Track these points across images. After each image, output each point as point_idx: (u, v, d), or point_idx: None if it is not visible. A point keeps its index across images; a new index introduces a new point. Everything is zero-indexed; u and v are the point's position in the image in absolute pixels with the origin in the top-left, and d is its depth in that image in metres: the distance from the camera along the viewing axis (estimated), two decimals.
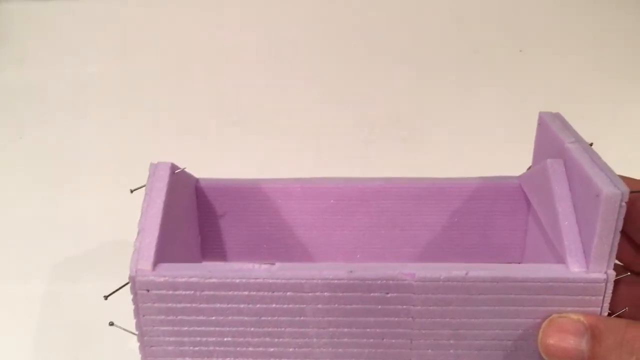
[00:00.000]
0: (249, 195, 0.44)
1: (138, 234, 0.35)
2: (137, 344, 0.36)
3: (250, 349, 0.35)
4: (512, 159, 0.44)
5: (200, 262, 0.45)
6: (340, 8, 0.84)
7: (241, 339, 0.35)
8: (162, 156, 0.60)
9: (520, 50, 0.75)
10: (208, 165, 0.59)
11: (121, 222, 0.53)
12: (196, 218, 0.44)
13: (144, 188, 0.39)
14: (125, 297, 0.34)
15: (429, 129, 0.66)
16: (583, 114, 0.66)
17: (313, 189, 0.44)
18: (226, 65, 0.75)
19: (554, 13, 0.84)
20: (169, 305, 0.34)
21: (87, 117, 0.69)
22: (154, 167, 0.39)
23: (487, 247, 0.44)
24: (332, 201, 0.44)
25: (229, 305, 0.34)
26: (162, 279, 0.34)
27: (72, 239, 0.55)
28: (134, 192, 0.38)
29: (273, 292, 0.34)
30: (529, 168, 0.43)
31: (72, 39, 0.80)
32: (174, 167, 0.39)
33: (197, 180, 0.43)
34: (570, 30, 0.81)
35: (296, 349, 0.35)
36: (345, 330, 0.34)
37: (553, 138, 0.38)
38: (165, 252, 0.35)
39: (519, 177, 0.42)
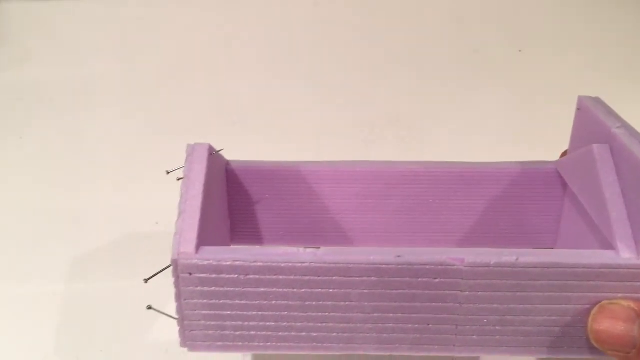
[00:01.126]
0: (279, 178, 0.43)
1: (179, 215, 0.35)
2: (176, 329, 0.35)
3: (293, 333, 0.34)
4: (512, 158, 0.44)
5: (229, 246, 0.44)
6: (341, 8, 0.84)
7: (284, 324, 0.34)
8: (162, 156, 0.60)
9: (520, 50, 0.76)
10: None
11: (121, 221, 0.55)
12: (226, 201, 0.43)
13: (175, 171, 0.38)
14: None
15: (429, 129, 0.66)
16: None
17: (345, 173, 0.43)
18: (226, 65, 0.75)
19: (554, 13, 0.85)
20: (212, 289, 0.33)
21: (87, 117, 0.68)
22: (192, 149, 0.38)
23: (521, 232, 0.44)
24: (364, 185, 0.43)
25: (274, 290, 0.33)
26: (205, 262, 0.33)
27: (72, 239, 0.55)
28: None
29: (319, 276, 0.33)
30: (564, 153, 0.43)
31: (73, 39, 0.80)
32: (211, 149, 0.38)
33: (227, 162, 0.43)
34: (570, 30, 0.81)
35: (340, 334, 0.34)
36: (391, 315, 0.34)
37: (596, 123, 0.38)
38: (208, 237, 0.35)
39: (555, 163, 0.42)
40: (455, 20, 0.82)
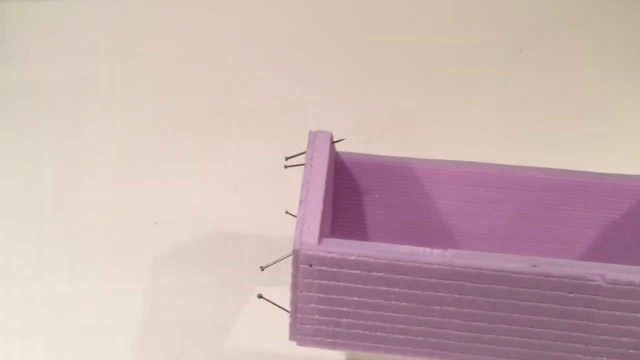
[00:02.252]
0: (387, 173, 0.42)
1: (301, 204, 0.33)
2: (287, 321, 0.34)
3: (409, 337, 0.33)
4: (512, 158, 0.42)
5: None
6: (341, 8, 0.83)
7: (401, 326, 0.33)
8: (162, 156, 0.61)
9: (520, 50, 0.74)
10: (208, 165, 0.59)
11: (121, 221, 0.54)
12: (332, 192, 0.42)
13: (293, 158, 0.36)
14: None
15: (429, 128, 0.65)
16: (583, 114, 0.65)
17: (458, 174, 0.41)
18: (226, 65, 0.74)
19: (554, 13, 0.83)
20: (331, 282, 0.32)
21: (87, 117, 0.68)
22: (314, 136, 0.36)
23: (638, 249, 0.41)
24: (476, 187, 0.41)
25: (395, 289, 0.32)
26: (328, 255, 0.31)
27: (72, 239, 0.54)
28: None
29: (445, 279, 0.31)
30: None
31: (72, 39, 0.78)
32: (332, 137, 0.36)
33: (336, 153, 0.41)
34: (570, 30, 0.79)
35: (458, 342, 0.33)
36: (516, 328, 0.32)
37: None
38: (324, 230, 0.33)
39: None
40: (455, 20, 0.81)
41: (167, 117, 0.66)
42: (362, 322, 0.33)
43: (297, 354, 0.45)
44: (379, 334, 0.33)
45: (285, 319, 0.43)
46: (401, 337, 0.33)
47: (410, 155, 0.42)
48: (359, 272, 0.32)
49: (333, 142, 0.37)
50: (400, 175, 0.41)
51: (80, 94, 0.70)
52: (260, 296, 0.34)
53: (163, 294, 0.49)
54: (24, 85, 0.71)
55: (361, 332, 0.33)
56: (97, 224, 0.55)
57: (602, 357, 0.32)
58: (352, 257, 0.31)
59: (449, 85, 0.70)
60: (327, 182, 0.35)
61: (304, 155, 0.37)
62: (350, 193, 0.42)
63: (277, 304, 0.34)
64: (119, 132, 0.64)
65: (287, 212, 0.41)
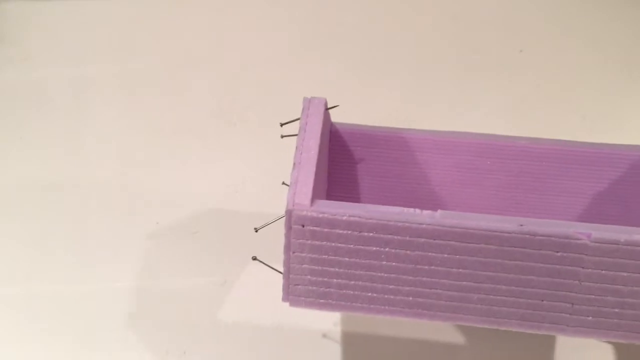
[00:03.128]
0: (381, 143, 0.42)
1: (294, 167, 0.34)
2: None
3: (399, 297, 0.34)
4: None
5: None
6: (340, 8, 0.84)
7: (391, 286, 0.33)
8: (162, 156, 0.61)
9: (521, 50, 0.74)
10: (208, 165, 0.59)
11: (122, 221, 0.55)
12: (327, 160, 0.42)
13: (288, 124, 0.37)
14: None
15: (429, 129, 0.65)
16: (583, 114, 0.66)
17: (449, 143, 0.42)
18: (226, 65, 0.74)
19: (554, 13, 0.82)
20: (323, 243, 0.33)
21: (87, 117, 0.68)
22: (308, 102, 0.37)
23: (628, 219, 0.42)
24: (468, 157, 0.42)
25: (386, 249, 0.33)
26: (320, 215, 0.32)
27: (73, 239, 0.55)
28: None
29: (435, 239, 0.32)
30: None
31: (72, 39, 0.78)
32: (326, 104, 0.37)
33: (331, 124, 0.42)
34: (570, 30, 0.79)
35: (447, 302, 0.33)
36: (503, 287, 0.33)
37: None
38: (317, 191, 0.34)
39: None
40: (455, 20, 0.80)
41: (167, 117, 0.66)
42: (353, 282, 0.34)
43: (297, 354, 0.46)
44: (369, 294, 0.34)
45: (286, 317, 0.44)
46: (391, 297, 0.34)
47: None
48: (350, 232, 0.32)
49: (327, 109, 0.37)
50: (393, 145, 0.42)
51: (80, 94, 0.71)
52: (254, 258, 0.35)
53: (164, 294, 0.50)
54: (24, 85, 0.71)
55: (352, 292, 0.34)
56: (97, 224, 0.56)
57: (588, 316, 0.33)
58: (344, 217, 0.32)
59: (449, 86, 0.70)
60: (321, 147, 0.36)
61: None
62: (345, 163, 0.43)
63: (272, 266, 0.35)
64: (119, 132, 0.65)
65: (283, 183, 0.42)
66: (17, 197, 0.58)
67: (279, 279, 0.43)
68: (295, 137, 0.37)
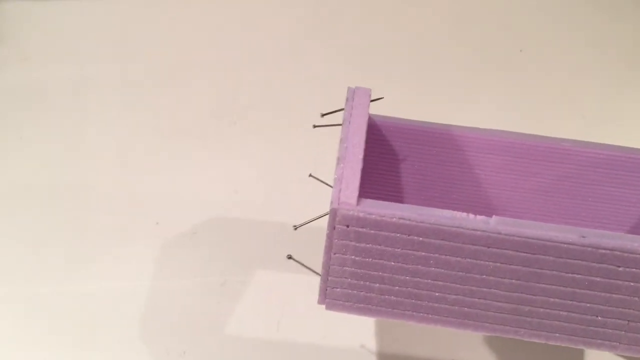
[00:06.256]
0: (421, 139, 0.40)
1: (339, 161, 0.32)
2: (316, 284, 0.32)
3: (444, 306, 0.32)
4: None
5: None
6: (340, 8, 0.83)
7: (437, 294, 0.31)
8: (163, 156, 0.61)
9: (521, 50, 0.74)
10: (208, 166, 0.59)
11: (122, 221, 0.54)
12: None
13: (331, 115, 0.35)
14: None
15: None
16: (583, 114, 0.66)
17: (493, 142, 0.40)
18: (226, 65, 0.73)
19: (554, 13, 0.83)
20: (368, 245, 0.31)
21: (87, 117, 0.67)
22: (352, 92, 0.35)
23: None
24: (511, 158, 0.40)
25: (435, 255, 0.31)
26: (368, 216, 0.30)
27: (73, 239, 0.54)
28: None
29: (489, 247, 0.30)
30: None
31: (72, 39, 0.77)
32: (370, 94, 0.35)
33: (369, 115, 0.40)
34: (570, 30, 0.79)
35: (495, 313, 0.32)
36: (557, 301, 0.31)
37: None
38: (364, 188, 0.32)
39: None
40: (455, 20, 0.81)
41: (167, 117, 0.66)
42: (397, 288, 0.32)
43: (297, 353, 0.46)
44: (412, 301, 0.32)
45: (287, 319, 0.43)
46: (436, 305, 0.32)
47: None
48: (398, 235, 0.30)
49: (371, 100, 0.35)
50: (431, 141, 0.40)
51: (80, 94, 0.70)
52: (289, 257, 0.33)
53: (164, 294, 0.50)
54: (24, 86, 0.71)
55: (395, 298, 0.32)
56: (97, 224, 0.55)
57: None
58: (393, 219, 0.30)
59: (449, 86, 0.70)
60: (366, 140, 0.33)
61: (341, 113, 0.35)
62: (382, 157, 0.41)
63: (308, 266, 0.32)
64: (119, 132, 0.65)
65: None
66: (17, 197, 0.58)
67: (279, 279, 0.42)
68: (329, 126, 0.35)
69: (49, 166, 0.61)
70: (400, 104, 0.64)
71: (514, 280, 0.31)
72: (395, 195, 0.41)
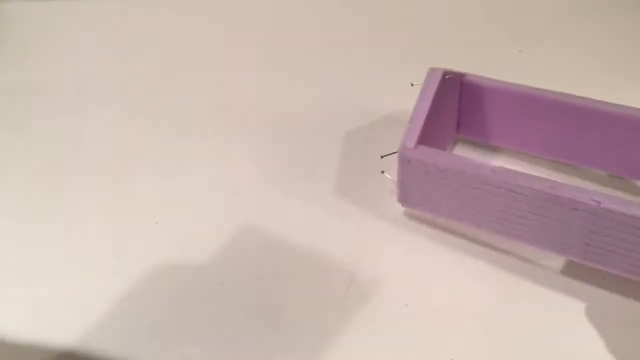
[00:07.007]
0: (509, 97, 0.54)
1: (410, 120, 0.50)
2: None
3: (470, 216, 0.49)
4: None
5: (455, 138, 0.60)
6: (339, 9, 0.80)
7: (469, 208, 0.48)
8: (163, 156, 0.61)
9: (520, 50, 0.74)
10: (208, 165, 0.60)
11: (121, 221, 0.56)
12: (456, 108, 0.57)
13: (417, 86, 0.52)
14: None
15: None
16: None
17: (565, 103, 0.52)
18: (226, 65, 0.74)
19: (554, 13, 0.80)
20: (423, 176, 0.49)
21: (87, 117, 0.67)
22: (430, 72, 0.51)
23: None
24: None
25: (462, 186, 0.47)
26: (417, 157, 0.49)
27: (72, 239, 0.54)
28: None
29: (490, 185, 0.46)
30: None
31: (72, 39, 0.78)
32: (445, 73, 0.51)
33: (463, 75, 0.55)
34: (570, 30, 0.77)
35: (493, 221, 0.48)
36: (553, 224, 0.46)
37: None
38: (426, 136, 0.50)
39: None
40: (455, 20, 0.79)
41: (167, 117, 0.66)
42: (450, 204, 0.49)
43: (297, 352, 0.46)
44: (462, 215, 0.49)
45: (283, 325, 0.45)
46: (465, 214, 0.49)
47: None
48: (435, 171, 0.48)
49: (447, 77, 0.51)
50: (518, 100, 0.54)
51: (80, 94, 0.70)
52: (382, 172, 0.53)
53: (163, 294, 0.49)
54: (24, 85, 0.71)
55: (455, 214, 0.49)
56: (97, 224, 0.55)
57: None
58: (431, 161, 0.48)
59: None
60: (434, 107, 0.50)
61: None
62: (473, 106, 0.56)
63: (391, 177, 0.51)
64: (119, 132, 0.64)
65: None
66: (17, 197, 0.58)
67: (278, 279, 0.48)
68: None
69: (48, 166, 0.61)
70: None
71: (515, 204, 0.47)
72: (485, 132, 0.56)
